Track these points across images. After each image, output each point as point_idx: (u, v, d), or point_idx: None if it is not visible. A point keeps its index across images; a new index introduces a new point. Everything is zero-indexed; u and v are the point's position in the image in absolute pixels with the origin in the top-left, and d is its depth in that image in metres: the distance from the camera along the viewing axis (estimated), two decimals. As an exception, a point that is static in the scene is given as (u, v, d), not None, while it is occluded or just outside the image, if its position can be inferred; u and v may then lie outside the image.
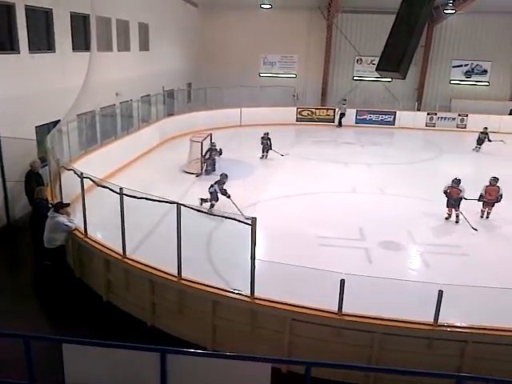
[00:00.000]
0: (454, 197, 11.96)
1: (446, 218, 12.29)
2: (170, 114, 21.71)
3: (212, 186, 12.01)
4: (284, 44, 27.50)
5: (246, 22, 26.60)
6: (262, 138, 18.21)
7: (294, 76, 28.24)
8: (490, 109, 25.88)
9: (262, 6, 23.40)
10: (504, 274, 9.25)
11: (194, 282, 7.20)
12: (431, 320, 6.42)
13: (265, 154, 18.14)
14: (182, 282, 7.23)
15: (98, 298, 8.50)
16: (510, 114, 26.26)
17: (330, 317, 6.49)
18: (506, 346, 6.47)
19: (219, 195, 11.91)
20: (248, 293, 6.86)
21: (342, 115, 25.52)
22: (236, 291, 7.02)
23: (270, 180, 15.31)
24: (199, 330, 7.30)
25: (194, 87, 26.04)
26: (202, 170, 15.48)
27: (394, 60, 4.84)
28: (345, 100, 26.18)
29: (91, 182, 8.83)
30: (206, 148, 15.68)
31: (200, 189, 13.50)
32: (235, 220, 6.69)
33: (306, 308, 6.58)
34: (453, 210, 12.16)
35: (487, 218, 12.32)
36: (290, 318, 6.56)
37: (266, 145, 18.13)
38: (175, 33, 23.64)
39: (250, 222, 6.47)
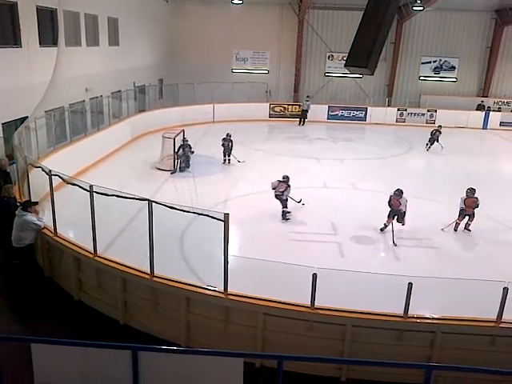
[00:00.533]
0: (394, 208, 10.99)
1: (381, 229, 11.27)
2: (142, 110, 21.47)
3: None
4: (256, 40, 27.47)
5: (217, 18, 26.42)
6: (224, 139, 16.54)
7: (267, 72, 28.27)
8: (458, 104, 26.53)
9: (234, 1, 23.34)
10: (472, 267, 9.52)
11: (167, 279, 7.16)
12: (401, 312, 6.55)
13: (227, 158, 16.67)
14: (155, 279, 7.19)
15: (69, 298, 8.35)
16: (477, 110, 26.93)
17: (303, 311, 6.56)
18: (473, 335, 6.66)
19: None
20: (221, 289, 6.87)
21: (305, 112, 25.24)
22: (209, 287, 7.01)
23: (242, 176, 15.32)
24: (173, 327, 7.27)
25: (166, 83, 25.77)
26: (174, 166, 15.38)
27: (362, 56, 4.91)
28: (308, 97, 25.99)
29: (61, 180, 8.66)
30: (178, 144, 15.57)
31: (173, 186, 13.41)
32: (208, 216, 6.67)
33: (279, 302, 6.63)
34: (391, 221, 11.07)
35: (469, 230, 11.48)
36: (262, 313, 6.60)
37: (227, 147, 16.58)
38: (146, 28, 23.33)
39: (222, 217, 6.47)
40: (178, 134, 15.91)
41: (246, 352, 4.10)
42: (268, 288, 7.29)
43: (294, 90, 27.77)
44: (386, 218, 11.16)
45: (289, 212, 11.81)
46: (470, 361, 6.26)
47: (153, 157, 16.34)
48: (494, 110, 27.02)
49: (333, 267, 7.34)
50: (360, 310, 6.67)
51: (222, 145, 16.51)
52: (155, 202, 7.03)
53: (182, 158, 15.49)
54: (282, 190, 11.70)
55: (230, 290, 6.85)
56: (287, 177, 11.90)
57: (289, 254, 9.42)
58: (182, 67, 26.49)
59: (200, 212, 6.98)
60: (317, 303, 6.62)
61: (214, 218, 6.56)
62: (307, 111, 25.15)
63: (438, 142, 19.89)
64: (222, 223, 6.52)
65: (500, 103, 27.92)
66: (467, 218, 11.42)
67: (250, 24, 26.66)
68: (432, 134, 20.14)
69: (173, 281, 7.14)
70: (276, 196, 11.79)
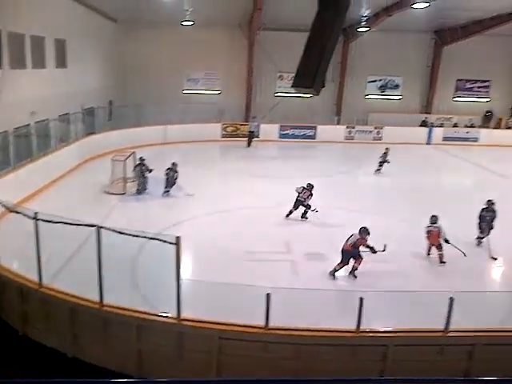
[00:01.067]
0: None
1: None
2: (91, 133, 20.99)
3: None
4: (207, 61, 27.62)
5: (167, 39, 26.45)
6: (169, 169, 15.00)
7: (218, 92, 28.44)
8: (403, 121, 27.57)
9: (183, 23, 23.44)
10: (422, 279, 9.80)
11: (117, 308, 6.96)
12: (353, 327, 6.65)
13: (169, 188, 15.07)
14: (105, 308, 6.98)
15: (14, 332, 7.95)
16: (421, 126, 28.07)
17: (257, 332, 6.54)
18: (423, 346, 6.85)
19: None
20: (175, 314, 6.75)
21: (252, 134, 24.74)
22: (161, 313, 6.87)
23: (194, 198, 15.17)
24: (124, 357, 7.06)
25: (116, 105, 25.40)
26: (125, 189, 15.09)
27: (308, 77, 5.05)
28: (254, 118, 25.66)
29: (3, 208, 8.31)
30: (131, 166, 15.27)
31: (124, 209, 13.14)
32: (159, 240, 6.58)
33: (233, 325, 6.59)
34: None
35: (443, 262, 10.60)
36: (217, 337, 6.53)
37: (172, 178, 15.06)
38: (94, 49, 23.01)
39: (174, 241, 6.39)
40: (128, 157, 15.66)
41: (198, 379, 4.02)
42: (223, 311, 7.23)
43: (246, 110, 28.03)
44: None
45: (313, 210, 13.02)
46: (420, 371, 6.42)
47: (102, 180, 15.97)
48: (436, 126, 28.27)
49: (287, 285, 7.39)
50: (313, 327, 6.72)
51: (166, 174, 15.01)
52: (103, 227, 6.87)
53: (140, 180, 15.20)
54: (305, 196, 12.93)
55: (183, 315, 6.74)
56: (311, 185, 12.99)
57: (243, 274, 9.39)
58: (132, 89, 26.23)
59: (151, 236, 6.88)
60: (272, 322, 6.62)
61: (166, 242, 6.48)
62: (253, 132, 24.93)
63: (387, 162, 19.64)
64: (174, 246, 6.44)
65: (442, 119, 29.25)
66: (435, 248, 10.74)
67: (201, 45, 26.81)
68: (381, 157, 20.00)
69: (123, 309, 6.95)
70: (298, 201, 12.99)
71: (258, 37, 27.30)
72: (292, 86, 5.28)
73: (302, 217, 13.27)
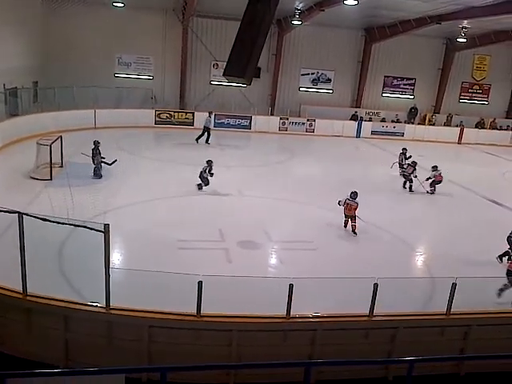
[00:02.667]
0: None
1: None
2: (14, 115, 19.75)
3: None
4: (139, 45, 26.78)
5: (98, 20, 25.28)
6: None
7: (151, 78, 27.71)
8: (335, 114, 28.43)
9: (114, 4, 22.57)
10: (348, 266, 10.20)
11: (42, 298, 6.65)
12: (284, 313, 6.81)
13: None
14: (28, 298, 6.64)
15: None
16: (351, 119, 29.06)
17: (189, 319, 6.52)
18: (350, 330, 7.15)
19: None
20: (104, 303, 6.56)
21: (206, 129, 22.48)
22: (90, 303, 6.66)
23: (127, 185, 14.78)
24: (50, 348, 6.78)
25: (42, 86, 24.02)
26: (51, 175, 14.38)
27: (239, 66, 5.06)
28: (210, 112, 23.63)
29: None
30: (58, 151, 14.55)
31: (50, 196, 12.50)
32: (86, 228, 6.34)
33: (164, 313, 6.52)
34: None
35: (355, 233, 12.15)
36: (147, 326, 6.44)
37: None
38: (17, 27, 21.51)
39: (102, 228, 6.19)
40: (54, 141, 14.91)
41: (125, 367, 3.95)
42: (154, 299, 7.13)
43: (180, 97, 27.58)
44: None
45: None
46: (348, 354, 6.71)
47: (26, 165, 15.10)
48: (365, 120, 29.41)
49: (220, 273, 7.41)
50: (244, 314, 6.80)
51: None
52: (26, 214, 6.51)
53: (99, 165, 14.72)
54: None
55: (112, 304, 6.57)
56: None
57: (176, 262, 9.30)
58: (59, 70, 24.84)
59: (78, 224, 6.61)
60: (204, 311, 6.62)
61: (93, 230, 6.25)
62: (208, 128, 22.55)
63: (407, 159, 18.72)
64: (103, 234, 6.24)
65: (371, 114, 30.47)
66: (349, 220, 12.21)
67: (133, 28, 25.91)
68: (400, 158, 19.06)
69: (49, 298, 6.66)
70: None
71: (192, 23, 26.91)
72: (223, 75, 5.27)
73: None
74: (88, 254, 8.35)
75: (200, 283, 6.37)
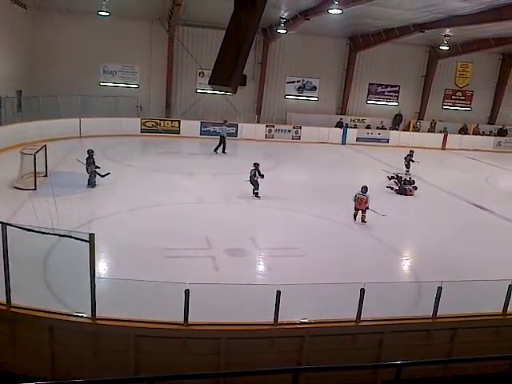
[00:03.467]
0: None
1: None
2: (-3, 125, 19.54)
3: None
4: (125, 54, 26.72)
5: (83, 29, 25.11)
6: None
7: (137, 86, 27.64)
8: (320, 121, 28.64)
9: (100, 13, 22.52)
10: (336, 272, 10.23)
11: (27, 309, 6.56)
12: (272, 320, 6.81)
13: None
14: (12, 310, 6.55)
15: None
16: (336, 126, 29.27)
17: (176, 328, 6.48)
18: (337, 336, 7.17)
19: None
20: (90, 314, 6.50)
21: (222, 139, 22.59)
22: (75, 313, 6.59)
23: (112, 194, 14.68)
24: (36, 360, 6.68)
25: (26, 95, 23.82)
26: (35, 184, 14.23)
27: (224, 75, 5.07)
28: (225, 121, 23.67)
29: None
30: (42, 160, 14.40)
31: (34, 206, 12.36)
32: (71, 237, 6.29)
33: (151, 322, 6.47)
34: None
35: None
36: (133, 335, 6.38)
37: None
38: (1, 36, 21.38)
39: (87, 238, 6.14)
40: (39, 150, 14.78)
41: (112, 378, 3.92)
42: (141, 309, 7.08)
43: (166, 106, 27.55)
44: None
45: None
46: (335, 360, 6.72)
47: (10, 175, 14.93)
48: (351, 127, 29.65)
49: (208, 281, 7.39)
50: (232, 322, 6.79)
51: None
52: (10, 224, 6.44)
53: (93, 174, 14.66)
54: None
55: (99, 314, 6.51)
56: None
57: (163, 271, 9.25)
58: (44, 79, 24.62)
59: (63, 233, 6.56)
60: (192, 319, 6.59)
61: (78, 239, 6.21)
62: (224, 137, 22.67)
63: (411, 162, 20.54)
64: (88, 244, 6.20)
65: (356, 120, 30.73)
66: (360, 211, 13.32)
67: (119, 37, 25.85)
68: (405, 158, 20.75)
69: (34, 309, 6.57)
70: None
71: (178, 32, 26.94)
72: (209, 84, 5.28)
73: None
74: (73, 264, 8.28)
75: (187, 291, 6.34)
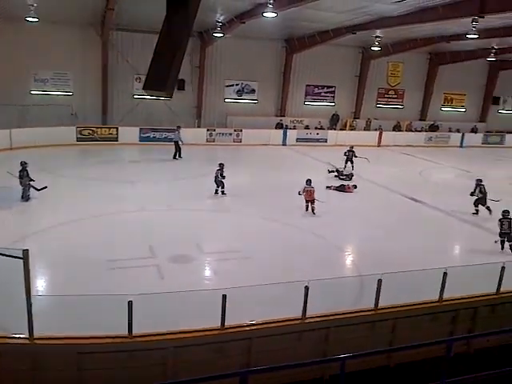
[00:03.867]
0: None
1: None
2: None
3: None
4: (57, 60, 25.69)
5: (10, 35, 23.97)
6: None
7: (71, 94, 26.67)
8: (260, 123, 28.91)
9: (28, 18, 21.56)
10: (280, 271, 10.36)
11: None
12: (218, 325, 6.80)
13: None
14: None
15: None
16: (276, 128, 29.65)
17: (121, 341, 6.32)
18: (286, 334, 7.26)
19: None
20: (27, 334, 6.21)
21: (176, 144, 22.82)
22: (12, 334, 6.27)
23: (48, 207, 14.10)
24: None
25: None
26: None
27: (159, 80, 5.03)
28: (178, 127, 23.92)
29: None
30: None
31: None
32: (2, 255, 5.98)
33: (93, 338, 6.28)
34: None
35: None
36: (75, 352, 6.16)
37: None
38: None
39: (21, 255, 5.87)
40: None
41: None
42: (83, 325, 6.85)
43: (103, 113, 26.79)
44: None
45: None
46: (284, 359, 6.79)
47: None
48: (290, 128, 30.15)
49: (153, 291, 7.26)
50: (178, 330, 6.71)
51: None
52: None
53: (27, 187, 14.00)
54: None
55: (37, 333, 6.22)
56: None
57: (106, 284, 9.02)
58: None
59: (-8, 252, 6.22)
60: (138, 331, 6.45)
61: (11, 257, 5.92)
62: (177, 141, 22.86)
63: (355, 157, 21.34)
64: (22, 261, 5.92)
65: (295, 122, 31.27)
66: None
67: (49, 44, 24.82)
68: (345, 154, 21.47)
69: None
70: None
71: (112, 37, 26.29)
72: (143, 89, 5.22)
73: None
74: (9, 282, 7.88)
75: (130, 303, 6.20)
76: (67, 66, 26.06)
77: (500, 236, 12.19)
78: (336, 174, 19.82)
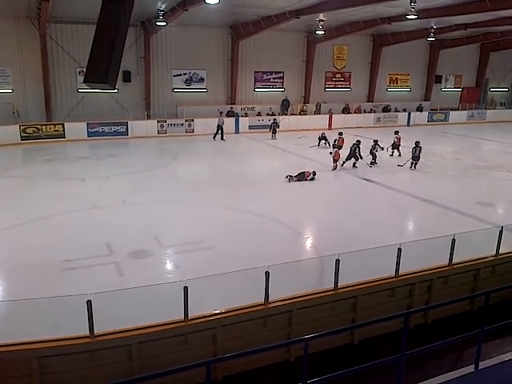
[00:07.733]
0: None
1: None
2: None
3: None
4: (-8, 56, 24.49)
5: None
6: None
7: (11, 91, 25.46)
8: (211, 112, 28.66)
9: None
10: (243, 259, 10.38)
11: None
12: (182, 316, 6.75)
13: None
14: None
15: None
16: (227, 116, 29.43)
17: (82, 342, 6.17)
18: (248, 321, 7.30)
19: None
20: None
21: (219, 128, 26.21)
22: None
23: (-3, 209, 13.51)
24: None
25: None
26: None
27: (100, 72, 4.88)
28: (221, 112, 28.36)
29: None
30: None
31: None
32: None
33: (53, 341, 6.09)
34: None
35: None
36: (36, 357, 5.96)
37: None
38: None
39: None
40: None
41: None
42: (42, 330, 6.63)
43: (46, 109, 25.75)
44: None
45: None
46: (250, 344, 6.84)
47: None
48: (242, 116, 30.09)
49: (113, 288, 7.11)
50: (142, 325, 6.62)
51: None
52: None
53: None
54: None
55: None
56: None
57: (64, 285, 8.78)
58: None
59: None
60: (99, 330, 6.31)
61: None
62: (221, 127, 26.35)
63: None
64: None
65: (246, 109, 31.23)
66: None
67: (-18, 39, 23.64)
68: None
69: None
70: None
71: (50, 30, 25.23)
72: (84, 82, 5.05)
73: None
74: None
75: (89, 302, 6.04)
76: (5, 61, 24.87)
77: (412, 159, 19.08)
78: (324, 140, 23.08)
